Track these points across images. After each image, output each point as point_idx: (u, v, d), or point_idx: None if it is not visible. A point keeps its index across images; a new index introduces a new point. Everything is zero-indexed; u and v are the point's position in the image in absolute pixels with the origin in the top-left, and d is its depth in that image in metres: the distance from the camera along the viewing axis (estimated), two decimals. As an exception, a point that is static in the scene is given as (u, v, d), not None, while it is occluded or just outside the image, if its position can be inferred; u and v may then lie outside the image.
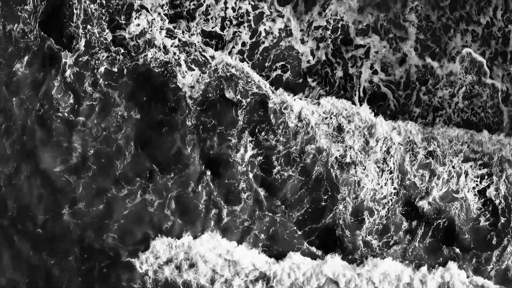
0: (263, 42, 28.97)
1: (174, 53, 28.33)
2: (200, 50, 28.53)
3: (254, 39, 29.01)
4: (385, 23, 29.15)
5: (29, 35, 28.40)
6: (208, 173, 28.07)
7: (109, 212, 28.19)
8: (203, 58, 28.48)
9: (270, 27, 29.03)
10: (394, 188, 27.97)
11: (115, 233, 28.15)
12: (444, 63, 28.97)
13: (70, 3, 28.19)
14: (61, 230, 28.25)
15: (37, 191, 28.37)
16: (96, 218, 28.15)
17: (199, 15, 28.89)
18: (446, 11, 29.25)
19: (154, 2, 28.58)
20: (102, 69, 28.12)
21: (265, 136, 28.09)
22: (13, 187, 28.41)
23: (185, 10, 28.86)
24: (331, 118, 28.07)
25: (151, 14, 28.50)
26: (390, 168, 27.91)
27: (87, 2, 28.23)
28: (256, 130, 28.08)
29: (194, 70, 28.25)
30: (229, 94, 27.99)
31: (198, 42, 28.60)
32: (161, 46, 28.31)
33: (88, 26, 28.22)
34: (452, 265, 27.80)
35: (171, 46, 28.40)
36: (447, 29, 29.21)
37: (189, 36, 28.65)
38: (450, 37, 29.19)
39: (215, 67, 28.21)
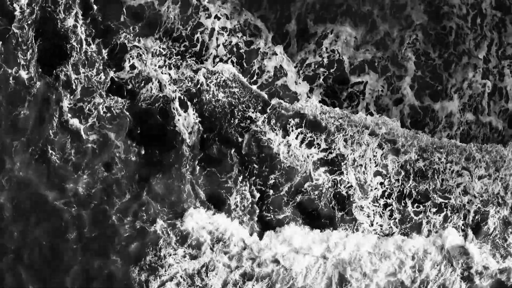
0: (256, 82, 28.91)
1: (171, 90, 28.54)
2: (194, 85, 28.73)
3: (248, 76, 28.97)
4: (383, 61, 28.63)
5: (29, 78, 29.11)
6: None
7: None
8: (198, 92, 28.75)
9: (264, 64, 28.83)
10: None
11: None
12: (442, 102, 28.32)
13: (69, 45, 28.67)
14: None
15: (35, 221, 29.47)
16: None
17: (192, 54, 29.05)
18: (447, 47, 28.63)
19: (148, 43, 28.70)
20: (98, 110, 28.53)
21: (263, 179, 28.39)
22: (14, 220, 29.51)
23: (178, 50, 29.02)
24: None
25: (145, 54, 28.70)
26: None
27: (84, 44, 28.62)
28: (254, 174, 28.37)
29: (189, 107, 28.41)
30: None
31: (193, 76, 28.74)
32: (156, 85, 28.46)
33: (85, 68, 28.64)
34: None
35: (167, 83, 28.57)
36: (447, 65, 28.55)
37: (182, 74, 28.80)
38: (450, 74, 28.46)
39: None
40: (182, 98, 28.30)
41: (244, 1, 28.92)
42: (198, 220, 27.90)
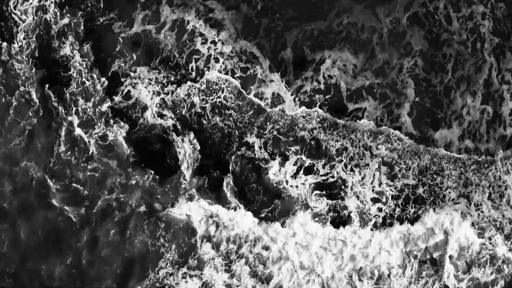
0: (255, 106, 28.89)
1: (167, 118, 28.52)
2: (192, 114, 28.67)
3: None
4: (382, 88, 28.46)
5: (28, 107, 29.07)
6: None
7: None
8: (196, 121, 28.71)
9: (262, 91, 28.73)
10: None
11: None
12: (442, 131, 28.20)
13: (67, 76, 28.65)
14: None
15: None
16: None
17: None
18: (447, 73, 28.43)
19: (145, 72, 28.64)
20: (97, 139, 28.58)
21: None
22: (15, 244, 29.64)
23: (175, 78, 28.94)
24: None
25: (142, 82, 28.63)
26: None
27: (82, 74, 28.59)
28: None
29: (186, 134, 28.38)
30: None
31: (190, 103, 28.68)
32: (153, 113, 28.44)
33: (83, 98, 28.54)
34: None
35: (164, 111, 28.56)
36: (447, 91, 28.38)
37: (178, 96, 28.75)
38: (451, 100, 28.30)
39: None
40: (179, 125, 28.28)
41: (240, 29, 28.77)
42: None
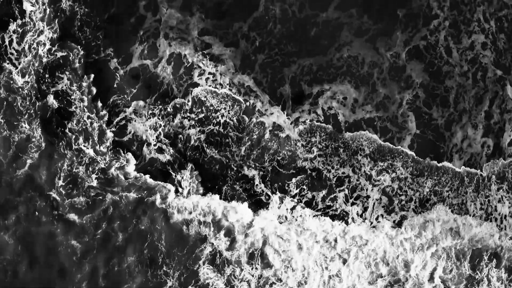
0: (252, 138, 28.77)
1: (166, 153, 28.43)
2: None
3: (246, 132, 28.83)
4: (382, 121, 28.35)
5: (29, 141, 29.06)
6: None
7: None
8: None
9: (262, 122, 28.60)
10: None
11: None
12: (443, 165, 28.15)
13: (67, 112, 28.66)
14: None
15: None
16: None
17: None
18: (448, 106, 28.32)
19: (143, 106, 28.58)
20: (98, 173, 28.53)
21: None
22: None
23: (174, 111, 28.86)
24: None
25: (140, 116, 28.57)
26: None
27: (84, 108, 28.57)
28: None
29: (185, 167, 28.29)
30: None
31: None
32: (152, 148, 28.38)
33: (83, 136, 28.54)
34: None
35: (163, 146, 28.51)
36: (449, 124, 28.27)
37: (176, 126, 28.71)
38: (452, 134, 28.17)
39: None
40: (177, 159, 28.20)
41: (238, 65, 28.61)
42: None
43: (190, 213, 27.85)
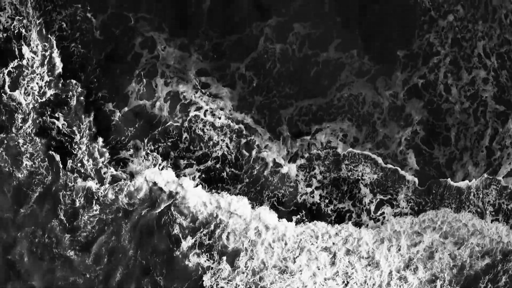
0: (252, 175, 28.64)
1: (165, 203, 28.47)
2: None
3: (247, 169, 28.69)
4: (382, 158, 28.17)
5: (31, 178, 29.06)
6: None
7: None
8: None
9: (262, 158, 28.45)
10: None
11: None
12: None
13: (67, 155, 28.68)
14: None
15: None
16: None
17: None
18: (449, 144, 28.15)
19: (142, 147, 28.53)
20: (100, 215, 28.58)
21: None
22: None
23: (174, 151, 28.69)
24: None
25: (139, 158, 28.47)
26: None
27: (85, 146, 28.59)
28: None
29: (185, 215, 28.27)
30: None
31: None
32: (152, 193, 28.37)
33: (86, 172, 28.54)
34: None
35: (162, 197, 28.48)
36: (450, 162, 28.07)
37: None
38: (454, 172, 28.00)
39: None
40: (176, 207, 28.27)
41: (235, 106, 28.47)
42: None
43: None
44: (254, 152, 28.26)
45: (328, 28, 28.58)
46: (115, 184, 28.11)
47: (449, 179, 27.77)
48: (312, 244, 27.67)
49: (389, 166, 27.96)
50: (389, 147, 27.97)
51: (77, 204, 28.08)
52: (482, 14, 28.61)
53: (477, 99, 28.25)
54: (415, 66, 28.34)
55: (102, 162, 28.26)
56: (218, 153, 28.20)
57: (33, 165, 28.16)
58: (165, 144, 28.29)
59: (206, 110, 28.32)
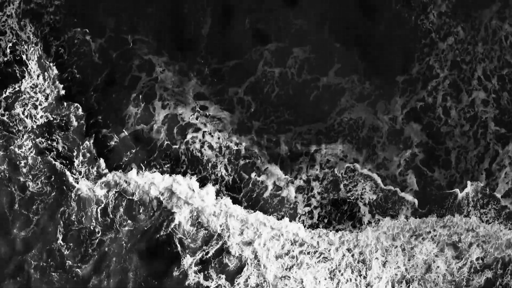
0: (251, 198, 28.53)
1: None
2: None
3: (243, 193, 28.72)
4: (382, 179, 28.13)
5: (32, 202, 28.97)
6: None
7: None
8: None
9: (262, 181, 28.40)
10: None
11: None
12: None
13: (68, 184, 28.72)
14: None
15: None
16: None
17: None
18: (449, 167, 28.09)
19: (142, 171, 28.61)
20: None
21: None
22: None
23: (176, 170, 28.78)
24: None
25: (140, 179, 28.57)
26: None
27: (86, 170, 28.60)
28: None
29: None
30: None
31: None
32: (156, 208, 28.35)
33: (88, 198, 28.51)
34: None
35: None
36: (450, 185, 27.99)
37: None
38: (454, 194, 27.95)
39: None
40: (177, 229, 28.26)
41: (234, 130, 28.47)
42: None
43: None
44: (253, 175, 28.29)
45: (328, 53, 28.56)
46: (115, 204, 28.20)
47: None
48: (312, 258, 27.68)
49: (389, 187, 27.92)
50: (389, 168, 27.90)
51: (78, 226, 28.17)
52: (482, 36, 28.52)
53: (477, 121, 28.14)
54: (414, 90, 28.27)
55: (102, 184, 28.38)
56: (217, 175, 28.20)
57: (34, 187, 28.22)
58: (163, 167, 28.32)
59: (205, 132, 28.32)
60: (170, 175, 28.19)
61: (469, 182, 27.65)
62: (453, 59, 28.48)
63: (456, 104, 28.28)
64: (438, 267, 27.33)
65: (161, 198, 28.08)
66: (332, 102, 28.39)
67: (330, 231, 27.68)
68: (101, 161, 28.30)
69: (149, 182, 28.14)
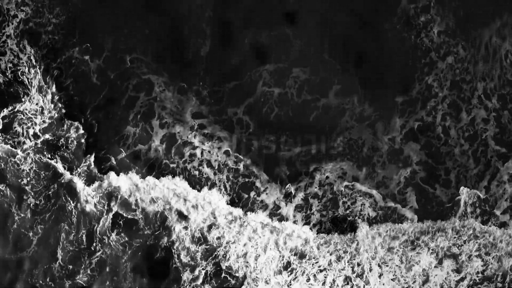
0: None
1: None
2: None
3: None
4: (382, 199, 28.11)
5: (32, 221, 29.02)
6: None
7: None
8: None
9: (262, 200, 28.37)
10: None
11: None
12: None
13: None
14: None
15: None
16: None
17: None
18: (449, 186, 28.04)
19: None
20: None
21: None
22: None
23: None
24: None
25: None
26: None
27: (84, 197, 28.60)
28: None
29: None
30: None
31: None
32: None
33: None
34: None
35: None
36: (451, 202, 27.96)
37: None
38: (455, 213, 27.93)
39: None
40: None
41: (233, 149, 28.46)
42: None
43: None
44: (252, 194, 28.28)
45: (328, 73, 28.52)
46: (114, 221, 28.21)
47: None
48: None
49: (389, 204, 27.89)
50: (389, 186, 27.86)
51: (78, 245, 28.19)
52: (482, 55, 28.42)
53: (477, 140, 28.07)
54: (414, 111, 28.22)
55: (102, 201, 28.37)
56: (215, 195, 28.20)
57: (33, 206, 28.22)
58: (163, 186, 28.34)
59: (203, 150, 28.30)
60: (169, 191, 28.28)
61: (465, 190, 27.61)
62: (452, 78, 28.42)
63: (456, 123, 28.25)
64: (436, 275, 27.39)
65: (161, 214, 28.13)
66: (332, 123, 28.34)
67: (328, 245, 27.70)
68: (102, 178, 28.39)
69: (148, 199, 28.19)
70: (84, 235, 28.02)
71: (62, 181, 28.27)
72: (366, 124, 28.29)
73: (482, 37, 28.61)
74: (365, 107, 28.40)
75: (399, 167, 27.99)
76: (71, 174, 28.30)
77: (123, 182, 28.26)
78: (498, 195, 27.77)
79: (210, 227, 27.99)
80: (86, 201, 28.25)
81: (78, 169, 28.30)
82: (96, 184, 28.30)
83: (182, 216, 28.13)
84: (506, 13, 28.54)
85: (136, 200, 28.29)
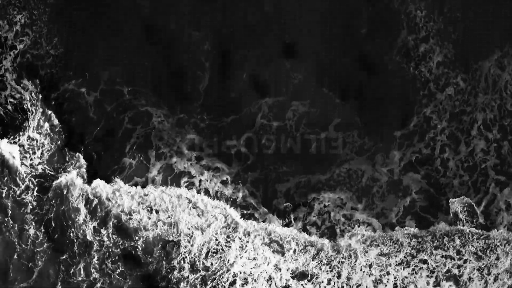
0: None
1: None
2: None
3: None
4: (381, 229, 28.11)
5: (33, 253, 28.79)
6: None
7: None
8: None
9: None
10: None
11: None
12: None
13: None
14: None
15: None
16: None
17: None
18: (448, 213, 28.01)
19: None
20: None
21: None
22: None
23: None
24: None
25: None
26: None
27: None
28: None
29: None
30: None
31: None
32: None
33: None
34: None
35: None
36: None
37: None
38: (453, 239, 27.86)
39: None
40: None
41: (230, 180, 28.48)
42: None
43: None
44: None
45: (327, 106, 28.55)
46: (115, 251, 28.17)
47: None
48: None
49: (389, 233, 27.84)
50: (388, 216, 27.85)
51: (78, 276, 28.15)
52: (482, 86, 28.38)
53: (477, 171, 28.01)
54: (411, 144, 28.23)
55: (102, 231, 28.38)
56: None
57: (33, 237, 28.19)
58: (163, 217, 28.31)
59: (201, 180, 28.26)
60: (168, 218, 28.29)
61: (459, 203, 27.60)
62: (452, 110, 28.42)
63: (455, 155, 28.20)
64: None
65: (160, 242, 28.13)
66: (331, 156, 28.38)
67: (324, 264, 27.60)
68: (102, 208, 28.37)
69: (151, 225, 28.19)
70: (85, 265, 28.03)
71: (62, 208, 28.40)
72: (366, 156, 28.32)
73: (482, 68, 28.58)
74: (365, 141, 28.43)
75: (399, 197, 27.98)
76: (71, 202, 28.36)
77: (124, 203, 28.37)
78: (497, 222, 27.87)
79: (208, 254, 28.07)
80: (86, 230, 28.31)
81: (79, 197, 28.35)
82: (96, 212, 28.38)
83: (181, 243, 28.15)
84: (507, 43, 28.54)
85: (136, 229, 28.34)
